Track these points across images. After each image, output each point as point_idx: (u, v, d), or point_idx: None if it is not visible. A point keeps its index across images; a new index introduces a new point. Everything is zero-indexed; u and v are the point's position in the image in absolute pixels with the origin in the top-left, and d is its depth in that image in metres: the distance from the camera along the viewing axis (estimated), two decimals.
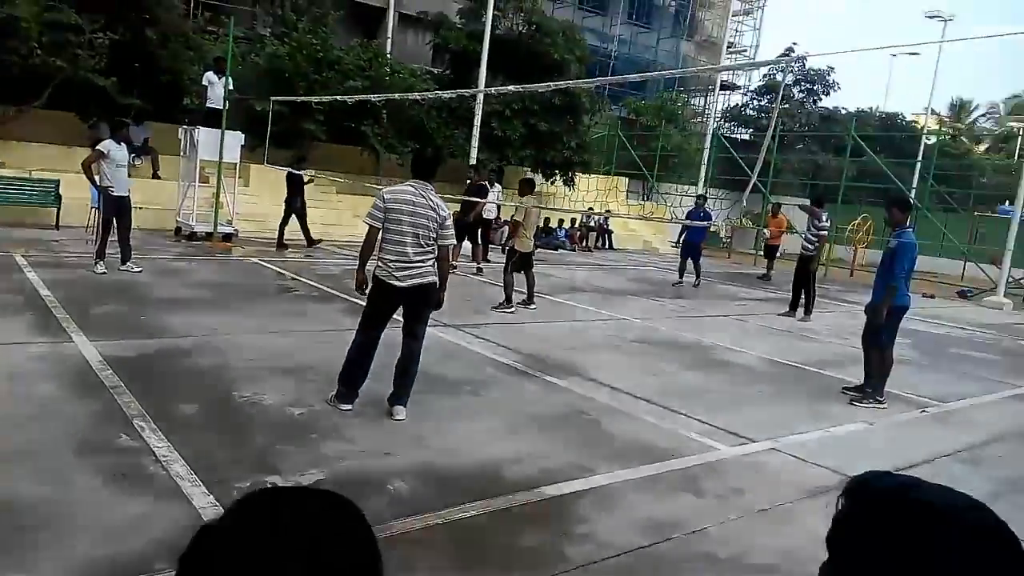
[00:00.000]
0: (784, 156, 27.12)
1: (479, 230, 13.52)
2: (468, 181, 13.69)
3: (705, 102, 35.25)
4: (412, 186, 4.86)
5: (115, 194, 9.00)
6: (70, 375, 5.12)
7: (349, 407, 4.94)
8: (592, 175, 21.67)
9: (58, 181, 12.79)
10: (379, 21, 26.10)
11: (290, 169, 12.86)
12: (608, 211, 18.29)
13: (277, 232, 13.16)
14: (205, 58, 15.36)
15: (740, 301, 12.88)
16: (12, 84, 13.49)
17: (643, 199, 26.12)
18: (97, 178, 8.97)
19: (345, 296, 8.88)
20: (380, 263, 4.87)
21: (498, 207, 14.40)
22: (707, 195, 15.52)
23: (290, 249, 12.99)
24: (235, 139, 12.90)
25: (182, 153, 13.57)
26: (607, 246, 20.99)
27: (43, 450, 3.89)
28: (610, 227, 21.13)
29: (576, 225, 20.39)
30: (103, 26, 13.95)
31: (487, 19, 17.48)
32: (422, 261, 4.82)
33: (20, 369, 5.12)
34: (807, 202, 13.69)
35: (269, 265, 11.17)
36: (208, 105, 12.94)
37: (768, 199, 21.28)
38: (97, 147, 9.05)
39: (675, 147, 27.18)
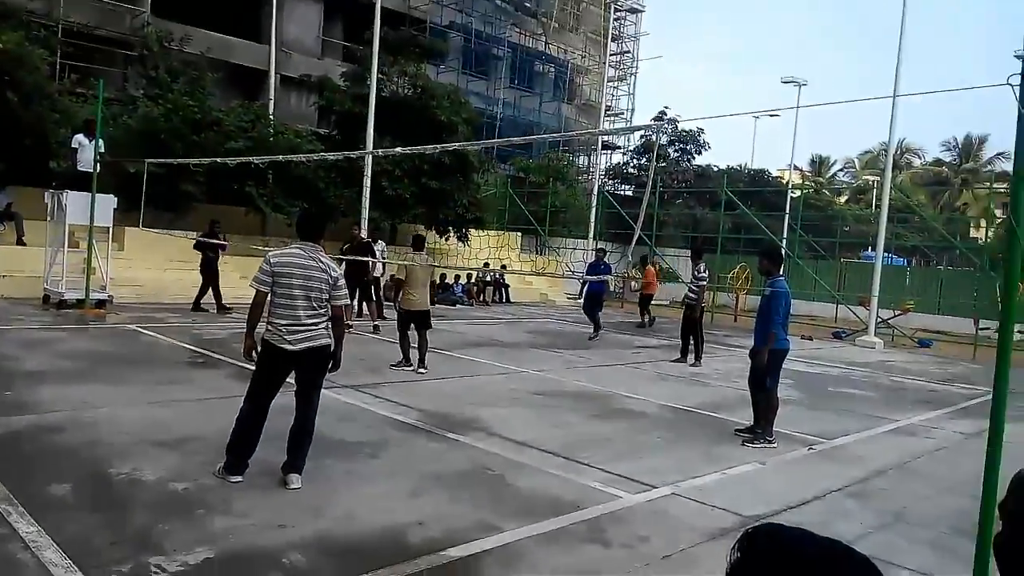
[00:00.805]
0: (665, 211, 28.51)
1: (372, 288, 13.40)
2: (351, 240, 13.52)
3: (589, 161, 36.72)
4: (301, 248, 4.76)
5: None
6: None
7: (239, 478, 4.67)
8: (486, 231, 21.97)
9: None
10: (260, 83, 25.78)
11: (200, 238, 12.82)
12: (504, 266, 18.50)
13: (214, 297, 13.21)
14: (73, 120, 14.64)
15: (635, 349, 13.23)
16: None
17: (536, 253, 26.67)
18: None
19: (232, 361, 8.47)
20: (270, 327, 4.70)
21: (383, 264, 14.34)
22: (604, 248, 16.01)
23: (172, 314, 12.34)
24: (107, 202, 12.26)
25: (49, 217, 12.72)
26: (504, 300, 21.18)
27: None
28: (506, 281, 21.37)
29: (473, 280, 20.49)
30: None
31: (372, 82, 17.63)
32: (314, 324, 4.70)
33: None
34: (687, 252, 14.30)
35: (148, 332, 10.52)
36: (79, 168, 12.26)
37: (653, 251, 22.20)
38: None
39: (563, 203, 28.04)
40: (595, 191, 25.94)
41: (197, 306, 13.02)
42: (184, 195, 15.51)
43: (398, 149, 9.99)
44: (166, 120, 15.92)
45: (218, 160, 12.37)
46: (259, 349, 4.79)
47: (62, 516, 3.93)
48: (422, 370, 9.04)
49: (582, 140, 35.14)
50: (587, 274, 14.61)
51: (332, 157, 12.78)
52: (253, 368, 4.88)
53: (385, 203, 18.58)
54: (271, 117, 19.80)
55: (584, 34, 36.55)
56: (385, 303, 13.94)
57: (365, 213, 16.71)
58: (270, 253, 4.81)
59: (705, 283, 11.79)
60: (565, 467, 5.55)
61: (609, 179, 35.89)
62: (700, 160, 36.07)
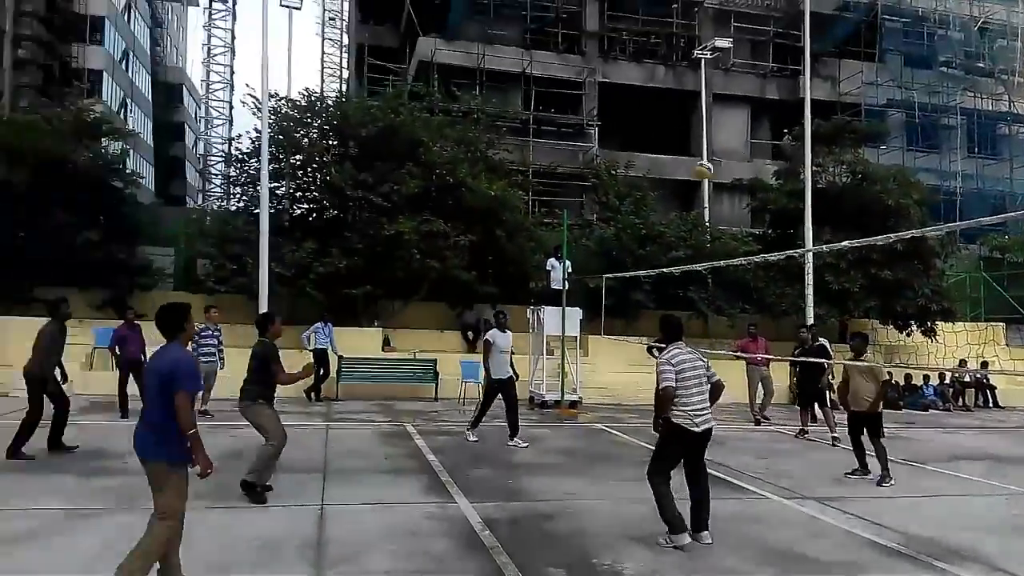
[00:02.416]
0: None
1: (826, 393, 12.30)
2: (803, 343, 12.49)
3: None
4: (680, 347, 5.86)
5: (495, 377, 9.77)
6: (457, 535, 5.68)
7: (685, 536, 5.48)
8: (958, 323, 19.10)
9: (435, 360, 14.95)
10: (693, 192, 27.19)
11: (652, 343, 13.67)
12: (984, 363, 15.72)
13: None
14: (544, 247, 17.28)
15: None
16: (399, 284, 16.52)
17: None
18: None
19: None
20: (679, 413, 5.62)
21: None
22: None
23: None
24: (574, 314, 14.03)
25: (530, 330, 15.08)
26: (990, 404, 17.89)
27: None
28: (991, 382, 18.10)
29: (947, 381, 17.85)
30: (463, 231, 16.60)
31: (806, 176, 17.22)
32: (706, 408, 5.74)
33: (418, 527, 5.83)
34: None
35: (612, 430, 11.52)
36: (552, 287, 14.39)
37: None
38: (486, 338, 10.10)
39: None
40: None
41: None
42: (634, 304, 16.92)
43: (846, 243, 9.39)
44: (616, 238, 17.80)
45: (664, 270, 13.26)
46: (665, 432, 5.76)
47: None
48: (887, 483, 8.13)
49: None
50: None
51: (774, 258, 12.54)
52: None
53: (831, 298, 17.59)
54: (707, 224, 20.62)
55: None
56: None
57: (809, 311, 15.99)
58: (666, 356, 5.78)
59: None
60: None
61: None
62: None
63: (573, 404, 13.59)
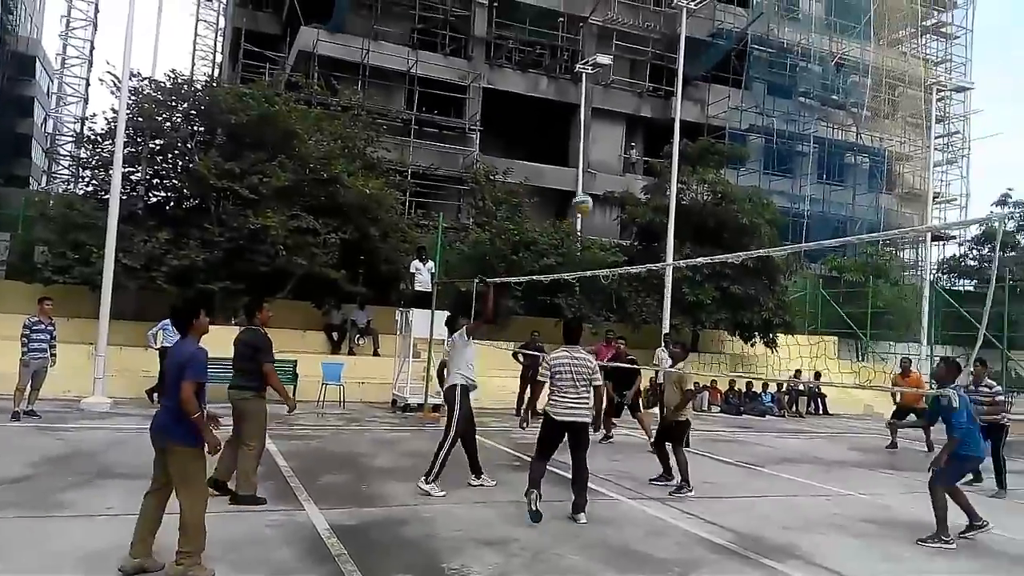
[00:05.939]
0: (1022, 308, 24.20)
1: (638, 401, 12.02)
2: (618, 354, 11.81)
3: (917, 255, 33.03)
4: (566, 351, 6.73)
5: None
6: (301, 543, 5.53)
7: (533, 494, 6.47)
8: (797, 336, 20.67)
9: (295, 361, 14.39)
10: (568, 201, 27.91)
11: (518, 349, 14.01)
12: (818, 374, 17.08)
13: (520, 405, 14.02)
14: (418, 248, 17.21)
15: (989, 472, 11.14)
16: (262, 280, 15.82)
17: (857, 359, 24.24)
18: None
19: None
20: (549, 402, 6.65)
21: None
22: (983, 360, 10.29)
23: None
24: (443, 318, 13.95)
25: (399, 332, 14.91)
26: (820, 411, 19.46)
27: None
28: (822, 391, 19.70)
29: (783, 389, 19.26)
30: (335, 228, 16.17)
31: (671, 193, 18.10)
32: (575, 404, 6.60)
33: (261, 536, 5.63)
34: None
35: None
36: (416, 288, 14.30)
37: (1006, 355, 18.87)
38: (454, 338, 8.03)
39: (888, 303, 25.36)
40: (926, 288, 23.04)
41: (521, 411, 14.07)
42: (504, 309, 17.11)
43: (700, 260, 9.99)
44: (491, 243, 17.96)
45: (534, 278, 13.52)
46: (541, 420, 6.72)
47: None
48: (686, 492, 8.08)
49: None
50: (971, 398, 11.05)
51: (636, 270, 13.02)
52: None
53: (686, 308, 18.56)
54: (579, 234, 21.22)
55: (902, 119, 33.81)
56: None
57: (666, 321, 16.80)
58: (549, 356, 6.74)
59: (999, 398, 9.63)
60: None
61: (943, 273, 31.75)
62: None
63: (436, 408, 13.50)
